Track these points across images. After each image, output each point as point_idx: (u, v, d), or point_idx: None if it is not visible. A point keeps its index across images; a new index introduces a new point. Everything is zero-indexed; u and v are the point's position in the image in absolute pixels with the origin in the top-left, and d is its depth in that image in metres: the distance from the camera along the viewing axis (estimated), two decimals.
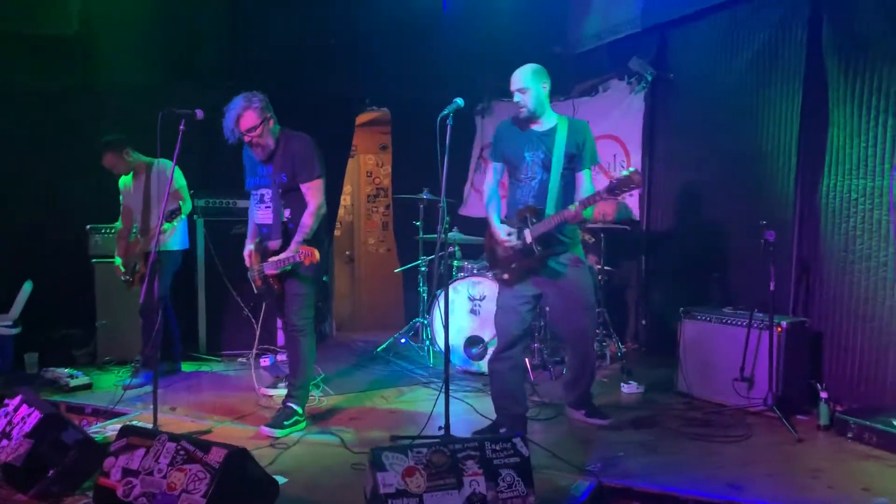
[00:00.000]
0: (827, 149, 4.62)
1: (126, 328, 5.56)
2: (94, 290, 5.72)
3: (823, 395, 4.15)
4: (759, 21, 5.22)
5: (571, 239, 3.99)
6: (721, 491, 3.21)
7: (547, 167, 3.87)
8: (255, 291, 4.33)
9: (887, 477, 3.41)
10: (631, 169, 3.41)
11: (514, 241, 3.88)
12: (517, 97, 3.87)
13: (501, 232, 3.93)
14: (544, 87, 3.88)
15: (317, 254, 3.85)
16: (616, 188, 3.47)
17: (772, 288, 4.36)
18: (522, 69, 3.90)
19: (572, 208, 3.68)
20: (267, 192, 4.15)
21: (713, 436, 4.01)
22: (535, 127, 3.94)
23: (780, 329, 4.32)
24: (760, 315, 4.45)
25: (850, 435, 3.94)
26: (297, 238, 3.99)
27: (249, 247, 4.29)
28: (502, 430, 3.97)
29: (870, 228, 4.36)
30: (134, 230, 5.21)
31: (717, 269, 5.51)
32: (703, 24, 5.75)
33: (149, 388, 4.04)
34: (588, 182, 3.95)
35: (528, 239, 3.83)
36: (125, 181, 5.31)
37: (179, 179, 5.12)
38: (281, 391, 4.69)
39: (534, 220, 3.83)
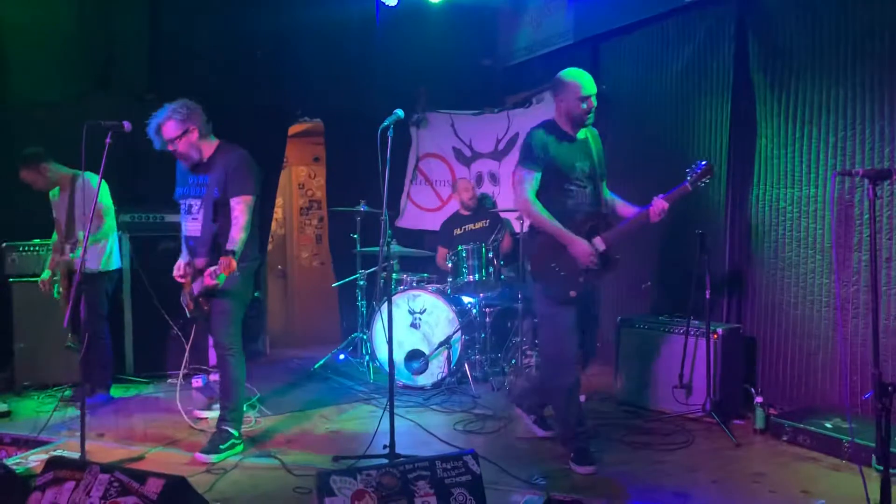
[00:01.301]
0: (755, 159, 4.78)
1: (46, 351, 5.26)
2: (10, 311, 5.39)
3: (758, 399, 4.26)
4: (687, 35, 5.36)
5: None
6: (668, 500, 3.24)
7: (592, 176, 3.79)
8: (189, 316, 4.17)
9: (823, 478, 3.50)
10: (705, 161, 3.58)
11: (599, 250, 3.66)
12: (594, 101, 3.73)
13: (585, 244, 3.63)
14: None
15: (233, 263, 3.68)
16: (698, 179, 3.61)
17: (707, 296, 4.46)
18: (588, 74, 3.75)
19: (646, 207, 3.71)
20: (195, 203, 4.01)
21: (656, 444, 4.06)
22: (576, 136, 3.80)
23: (716, 336, 4.41)
24: (696, 322, 4.54)
25: (785, 437, 4.04)
26: (226, 250, 3.81)
27: (182, 260, 4.13)
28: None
29: (798, 236, 4.51)
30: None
31: (653, 277, 5.60)
32: (634, 37, 5.86)
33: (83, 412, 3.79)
34: (607, 191, 3.97)
35: (602, 247, 3.67)
36: (53, 193, 5.04)
37: (106, 199, 4.90)
38: (215, 413, 4.51)
39: (602, 228, 3.72)
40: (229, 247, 3.80)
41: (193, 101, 4.01)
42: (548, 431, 4.18)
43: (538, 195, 3.71)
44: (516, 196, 3.79)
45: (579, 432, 3.78)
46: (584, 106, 3.70)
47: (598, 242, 3.67)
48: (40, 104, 5.79)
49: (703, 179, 3.65)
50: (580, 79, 3.71)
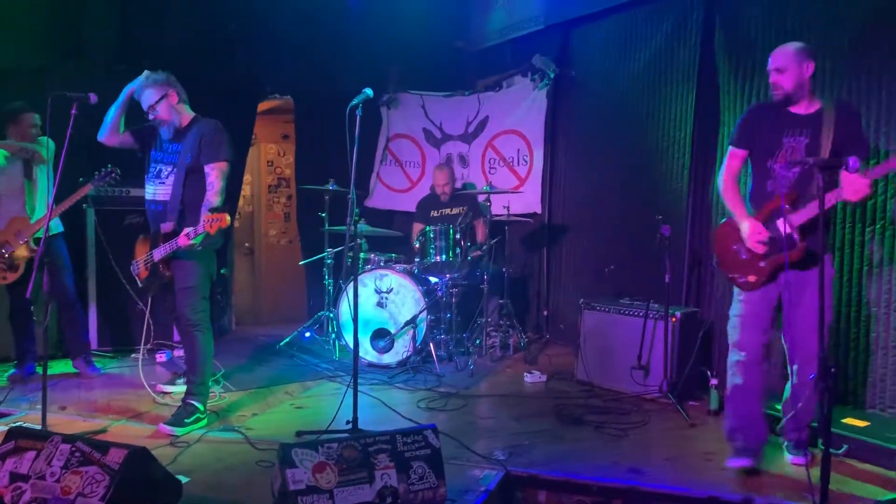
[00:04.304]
0: (718, 147, 4.87)
1: (3, 324, 5.20)
2: None
3: (713, 381, 4.38)
4: (656, 23, 5.44)
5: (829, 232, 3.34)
6: (623, 476, 3.33)
7: (813, 152, 3.36)
8: (140, 285, 4.16)
9: (772, 458, 3.61)
10: None
11: (764, 239, 3.35)
12: (773, 76, 3.43)
13: (748, 227, 3.37)
14: (810, 69, 3.41)
15: (227, 218, 3.69)
16: None
17: (667, 280, 4.56)
18: (782, 49, 3.45)
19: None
20: (166, 168, 4.02)
21: (613, 423, 4.16)
22: (794, 110, 3.46)
23: (674, 319, 4.53)
24: (656, 306, 4.65)
25: None
26: (204, 211, 3.83)
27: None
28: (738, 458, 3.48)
29: None
30: None
31: (616, 261, 5.70)
32: (604, 24, 5.93)
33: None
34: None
35: (786, 229, 3.31)
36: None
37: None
38: (179, 388, 4.53)
39: (790, 208, 3.32)
40: (206, 209, 3.81)
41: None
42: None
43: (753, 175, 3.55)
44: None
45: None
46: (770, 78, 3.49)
47: (780, 224, 3.33)
48: (6, 71, 5.68)
49: None
50: (774, 52, 3.48)
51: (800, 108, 3.45)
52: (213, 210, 3.72)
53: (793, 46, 3.43)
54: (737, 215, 3.47)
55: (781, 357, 3.67)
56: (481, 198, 6.15)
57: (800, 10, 4.38)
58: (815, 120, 3.40)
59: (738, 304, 3.51)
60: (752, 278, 3.43)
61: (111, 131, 4.09)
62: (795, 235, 3.30)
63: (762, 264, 3.40)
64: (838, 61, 4.19)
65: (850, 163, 2.81)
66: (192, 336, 4.04)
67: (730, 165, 3.59)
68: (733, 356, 3.53)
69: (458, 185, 6.73)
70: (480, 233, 6.07)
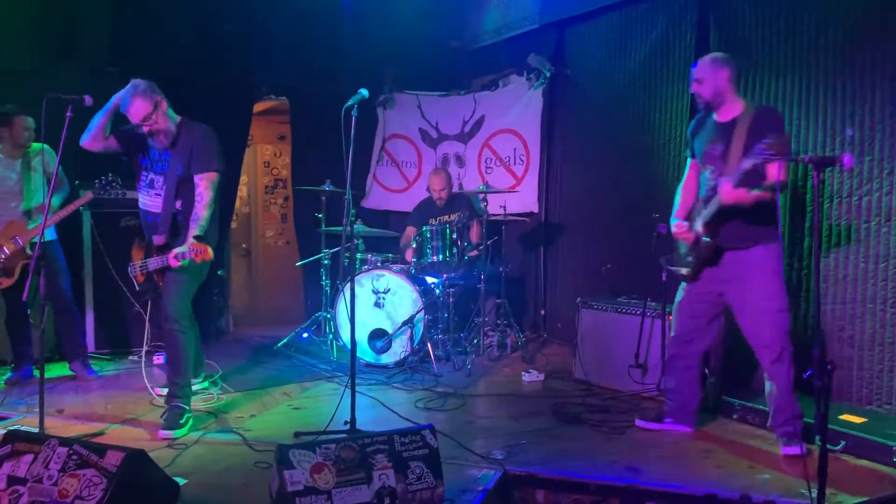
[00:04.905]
0: None
1: None
2: None
3: (710, 378, 4.38)
4: (651, 22, 5.46)
5: (762, 226, 3.52)
6: (621, 474, 3.33)
7: (725, 159, 3.56)
8: (137, 289, 4.16)
9: (769, 454, 3.63)
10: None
11: (684, 232, 3.76)
12: (693, 87, 3.66)
13: (673, 225, 3.85)
14: (724, 75, 3.57)
15: (210, 252, 3.71)
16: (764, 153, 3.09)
17: (664, 278, 4.56)
18: (701, 60, 3.67)
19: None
20: (157, 179, 3.99)
21: (611, 421, 4.16)
22: (717, 118, 3.68)
23: (671, 317, 4.52)
24: (653, 304, 4.65)
25: (735, 416, 4.17)
26: (192, 231, 3.84)
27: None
28: (667, 419, 4.02)
29: None
30: None
31: (612, 259, 5.71)
32: (599, 23, 5.94)
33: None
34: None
35: (699, 229, 3.66)
36: None
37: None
38: None
39: (703, 206, 3.64)
40: (197, 231, 3.81)
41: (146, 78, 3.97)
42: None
43: None
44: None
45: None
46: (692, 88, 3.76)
47: (698, 224, 3.68)
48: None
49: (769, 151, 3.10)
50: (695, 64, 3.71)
51: (720, 116, 3.66)
52: (197, 238, 3.74)
53: (709, 57, 3.66)
54: (673, 215, 3.92)
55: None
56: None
57: (793, 9, 4.39)
58: (729, 128, 3.57)
59: (679, 292, 3.96)
60: (684, 271, 3.84)
61: (96, 136, 3.96)
62: (705, 234, 3.62)
63: (690, 259, 3.79)
64: (831, 59, 4.20)
65: (844, 160, 2.82)
66: (174, 336, 4.00)
67: (688, 175, 3.97)
68: (670, 334, 4.13)
69: (455, 187, 6.70)
70: (475, 233, 6.05)
